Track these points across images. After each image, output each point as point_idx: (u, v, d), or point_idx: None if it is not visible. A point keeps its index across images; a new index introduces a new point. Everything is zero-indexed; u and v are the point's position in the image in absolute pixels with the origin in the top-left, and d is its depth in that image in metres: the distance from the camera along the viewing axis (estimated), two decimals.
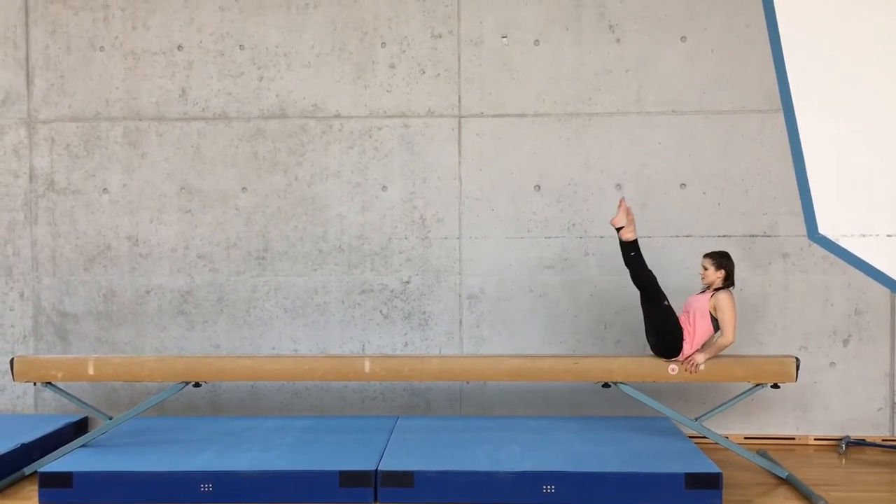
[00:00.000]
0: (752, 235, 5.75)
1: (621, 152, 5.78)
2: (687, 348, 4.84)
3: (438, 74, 5.84)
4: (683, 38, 5.74)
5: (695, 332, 4.83)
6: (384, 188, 5.87)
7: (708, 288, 4.92)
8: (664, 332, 4.84)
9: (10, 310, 5.98)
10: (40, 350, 5.97)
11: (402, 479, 4.44)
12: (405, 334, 5.88)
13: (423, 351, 5.86)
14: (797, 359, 4.92)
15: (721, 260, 4.89)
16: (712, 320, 4.84)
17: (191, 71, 5.90)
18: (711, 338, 4.87)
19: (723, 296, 4.81)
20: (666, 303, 4.85)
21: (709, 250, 5.06)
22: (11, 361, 5.02)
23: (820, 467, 5.23)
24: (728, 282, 4.87)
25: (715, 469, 4.46)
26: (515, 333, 5.84)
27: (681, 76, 5.74)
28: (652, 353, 4.95)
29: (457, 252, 5.85)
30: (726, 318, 4.78)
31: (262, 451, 4.83)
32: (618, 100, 5.78)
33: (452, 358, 5.19)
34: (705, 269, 4.91)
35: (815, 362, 5.70)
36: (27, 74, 5.96)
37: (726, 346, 4.81)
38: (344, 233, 5.89)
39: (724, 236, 5.75)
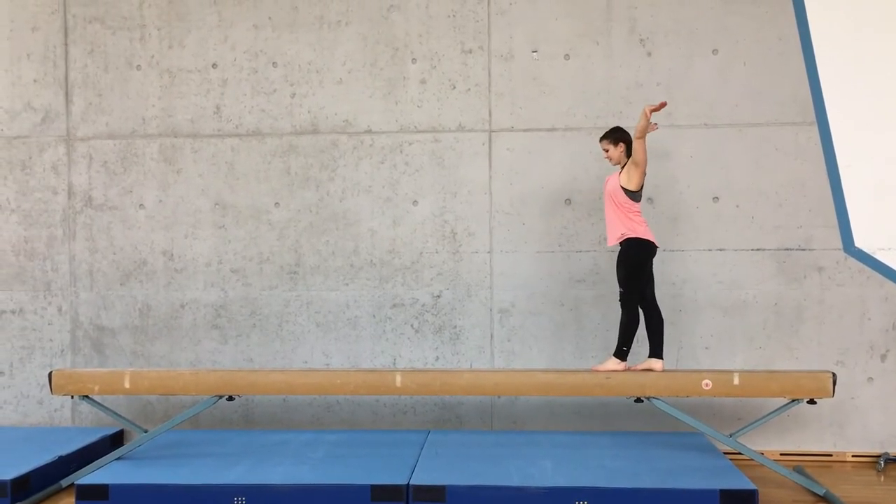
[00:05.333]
0: (787, 249, 5.68)
1: (652, 166, 5.73)
2: (633, 227, 4.95)
3: (469, 89, 5.87)
4: (715, 51, 5.71)
5: (623, 212, 4.95)
6: (415, 203, 5.90)
7: (616, 164, 5.10)
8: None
9: (49, 324, 6.09)
10: (78, 363, 6.06)
11: (434, 494, 4.43)
12: (436, 348, 5.89)
13: (455, 365, 5.87)
14: (834, 374, 4.85)
15: (616, 134, 5.07)
16: (625, 192, 4.94)
17: (225, 88, 5.99)
18: (636, 210, 4.98)
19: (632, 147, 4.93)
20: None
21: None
22: (50, 375, 5.11)
23: (858, 484, 5.14)
24: (630, 150, 4.99)
25: (750, 486, 4.40)
26: (547, 348, 5.82)
27: (712, 89, 5.71)
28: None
29: (488, 266, 5.86)
30: (641, 158, 4.88)
31: (294, 465, 4.85)
32: None
33: (484, 372, 5.18)
34: (606, 150, 5.09)
35: (852, 377, 5.61)
36: (66, 93, 6.09)
37: (641, 159, 4.89)
38: (375, 247, 5.92)
39: (757, 250, 5.69)
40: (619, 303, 5.06)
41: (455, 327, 5.88)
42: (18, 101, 6.10)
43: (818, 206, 5.60)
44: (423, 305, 5.90)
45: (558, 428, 5.79)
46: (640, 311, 5.06)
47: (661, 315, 5.08)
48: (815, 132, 5.50)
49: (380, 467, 4.76)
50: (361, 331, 5.92)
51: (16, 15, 6.08)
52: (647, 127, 4.86)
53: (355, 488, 4.47)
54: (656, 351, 5.03)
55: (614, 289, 5.75)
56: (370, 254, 5.93)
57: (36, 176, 6.10)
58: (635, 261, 5.00)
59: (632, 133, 4.97)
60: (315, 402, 5.95)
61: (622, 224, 5.00)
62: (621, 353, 5.01)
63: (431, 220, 5.89)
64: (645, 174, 4.98)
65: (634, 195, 4.98)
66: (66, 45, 6.08)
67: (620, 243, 5.03)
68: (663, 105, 4.85)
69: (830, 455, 5.66)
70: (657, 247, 5.05)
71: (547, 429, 5.79)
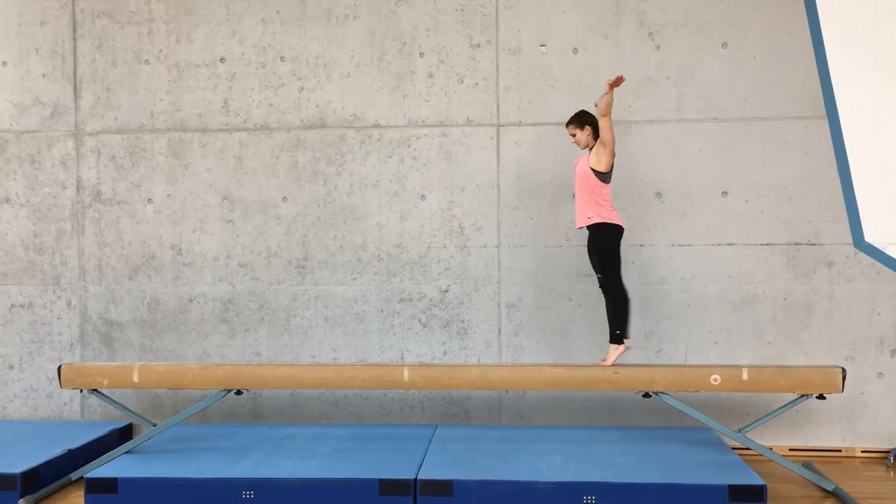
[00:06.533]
0: (797, 244, 5.66)
1: (661, 160, 5.74)
2: (600, 212, 4.93)
3: (477, 83, 5.85)
4: (724, 45, 5.68)
5: (593, 195, 4.93)
6: (423, 197, 5.90)
7: (585, 148, 5.08)
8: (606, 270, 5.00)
9: (58, 318, 6.11)
10: (87, 357, 6.08)
11: (442, 489, 4.44)
12: (444, 343, 5.89)
13: (462, 360, 5.86)
14: (843, 369, 4.83)
15: (581, 118, 5.03)
16: (596, 175, 4.92)
17: (233, 83, 5.99)
18: (606, 192, 4.97)
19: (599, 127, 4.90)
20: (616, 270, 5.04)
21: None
22: (59, 369, 5.13)
23: (868, 480, 5.12)
24: (597, 133, 4.96)
25: (759, 481, 4.39)
26: (555, 342, 5.81)
27: (722, 83, 5.69)
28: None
29: (495, 261, 5.85)
30: (608, 137, 4.86)
31: (302, 459, 4.86)
32: (658, 107, 5.74)
33: (491, 367, 5.18)
34: (574, 135, 5.06)
35: (861, 373, 5.59)
36: (75, 88, 6.10)
37: (608, 139, 4.87)
38: (383, 242, 5.92)
39: (766, 244, 5.67)
40: (601, 289, 5.06)
41: (463, 322, 5.87)
42: (27, 95, 6.11)
43: (828, 200, 5.57)
44: (430, 300, 5.89)
45: (566, 423, 5.78)
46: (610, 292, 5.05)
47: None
48: (825, 126, 5.47)
49: (388, 462, 4.77)
50: (369, 325, 5.93)
51: (24, 9, 6.09)
52: (611, 105, 4.83)
53: (363, 482, 4.48)
54: (618, 336, 5.05)
55: None
56: (378, 248, 5.92)
57: (45, 170, 6.11)
58: (607, 243, 4.99)
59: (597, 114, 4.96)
60: (323, 396, 5.96)
61: (591, 208, 4.98)
62: (616, 337, 5.01)
63: (439, 214, 5.89)
64: (614, 154, 4.97)
65: (604, 177, 4.96)
66: (74, 39, 6.09)
67: (588, 227, 5.01)
68: (621, 79, 4.78)
69: (840, 451, 5.64)
70: (624, 229, 5.05)
71: (555, 424, 5.78)
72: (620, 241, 5.01)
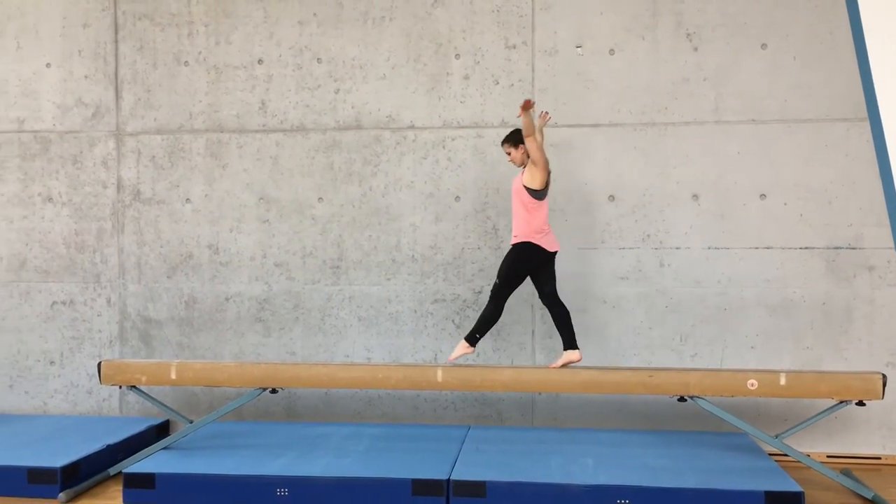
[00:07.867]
0: (836, 247, 5.57)
1: (698, 162, 5.68)
2: (527, 232, 4.93)
3: (512, 85, 5.85)
4: (764, 46, 5.61)
5: (528, 211, 4.92)
6: (457, 198, 5.90)
7: (521, 166, 5.07)
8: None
9: (98, 315, 6.22)
10: (125, 354, 6.18)
11: (474, 490, 4.44)
12: (477, 344, 5.87)
13: (496, 361, 5.86)
14: (884, 375, 4.75)
15: (515, 136, 5.01)
16: (528, 191, 4.89)
17: (270, 84, 6.05)
18: (539, 211, 4.94)
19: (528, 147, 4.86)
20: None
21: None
22: (99, 365, 5.22)
23: None
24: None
25: (797, 488, 4.33)
26: (588, 345, 5.77)
27: (761, 84, 5.62)
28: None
29: None
30: (536, 156, 4.83)
31: (336, 458, 4.90)
32: (695, 109, 5.68)
33: (525, 369, 5.17)
34: (509, 154, 5.04)
35: None
36: (116, 89, 6.20)
37: (536, 158, 4.85)
38: (417, 242, 5.94)
39: (806, 248, 5.59)
40: (491, 292, 5.06)
41: (496, 323, 5.86)
42: (70, 96, 6.23)
43: (869, 204, 5.48)
44: (464, 301, 5.90)
45: (600, 426, 5.75)
46: (545, 306, 5.08)
47: (565, 308, 5.05)
48: (866, 128, 5.38)
49: (420, 462, 4.78)
50: (403, 325, 5.95)
51: (68, 12, 6.21)
52: (532, 126, 4.80)
53: (396, 482, 4.50)
54: (570, 343, 5.01)
55: (658, 286, 5.71)
56: (412, 249, 5.94)
57: (86, 170, 6.23)
58: (521, 260, 4.98)
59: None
60: (356, 395, 6.00)
61: (519, 227, 4.97)
62: (473, 339, 5.03)
63: (473, 215, 5.89)
64: (549, 171, 4.95)
65: (538, 194, 4.94)
66: (116, 41, 6.19)
67: (516, 244, 5.00)
68: (529, 103, 4.74)
69: (879, 458, 5.54)
70: (552, 252, 5.00)
71: (588, 426, 5.76)
72: (536, 263, 4.99)
